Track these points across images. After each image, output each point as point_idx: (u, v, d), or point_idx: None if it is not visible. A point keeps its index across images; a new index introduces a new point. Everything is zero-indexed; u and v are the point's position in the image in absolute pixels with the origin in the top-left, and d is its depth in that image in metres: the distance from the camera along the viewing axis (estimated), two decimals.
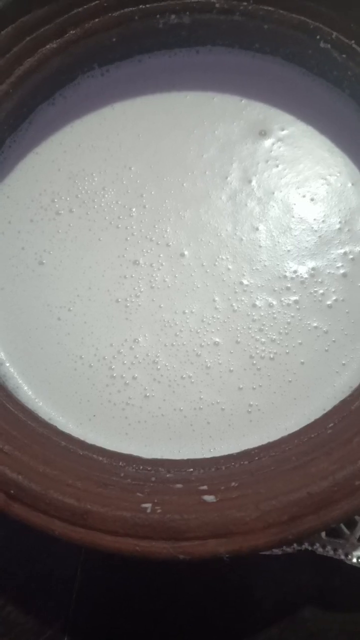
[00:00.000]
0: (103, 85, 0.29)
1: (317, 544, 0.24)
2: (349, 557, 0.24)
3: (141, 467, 0.21)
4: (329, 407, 0.24)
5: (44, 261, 0.27)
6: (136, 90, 0.29)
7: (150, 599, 0.26)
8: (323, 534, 0.24)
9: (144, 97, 0.29)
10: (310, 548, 0.24)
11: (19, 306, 0.27)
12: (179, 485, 0.20)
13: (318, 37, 0.26)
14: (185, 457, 0.23)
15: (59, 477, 0.20)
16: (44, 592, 0.27)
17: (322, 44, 0.26)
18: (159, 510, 0.18)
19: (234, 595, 0.26)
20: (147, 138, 0.29)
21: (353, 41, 0.26)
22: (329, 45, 0.26)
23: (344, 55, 0.26)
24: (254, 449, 0.22)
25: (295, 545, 0.24)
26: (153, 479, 0.21)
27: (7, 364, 0.26)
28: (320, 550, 0.24)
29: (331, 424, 0.21)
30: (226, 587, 0.26)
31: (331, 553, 0.24)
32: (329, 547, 0.24)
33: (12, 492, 0.19)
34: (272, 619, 0.26)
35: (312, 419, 0.23)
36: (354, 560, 0.24)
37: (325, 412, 0.23)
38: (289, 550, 0.24)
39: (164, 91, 0.29)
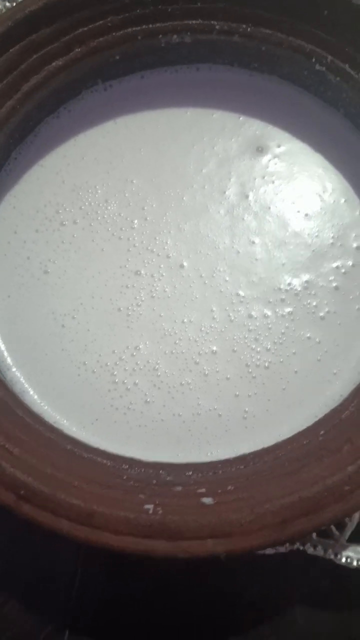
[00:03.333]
0: (106, 99, 0.30)
1: (309, 544, 0.26)
2: (338, 557, 0.25)
3: (143, 470, 0.23)
4: (320, 415, 0.25)
5: (49, 270, 0.29)
6: (138, 105, 0.30)
7: (147, 596, 0.27)
8: (314, 535, 0.26)
9: (145, 112, 0.30)
10: (301, 548, 0.26)
11: (25, 314, 0.28)
12: (179, 488, 0.21)
13: (314, 59, 0.27)
14: (184, 461, 0.24)
15: (66, 479, 0.21)
16: (44, 590, 0.28)
17: (317, 67, 0.27)
18: (160, 511, 0.20)
19: (227, 594, 0.27)
20: (148, 152, 0.30)
21: (347, 64, 0.27)
22: (324, 68, 0.27)
23: (338, 78, 0.27)
24: (249, 454, 0.23)
25: (287, 545, 0.25)
26: (154, 481, 0.22)
27: (14, 369, 0.27)
28: (311, 550, 0.26)
29: (322, 432, 0.22)
30: (220, 586, 0.27)
31: (321, 553, 0.26)
32: (319, 547, 0.26)
33: (22, 493, 0.20)
34: (264, 618, 0.27)
35: (304, 426, 0.24)
36: (343, 560, 0.25)
37: (317, 419, 0.24)
38: (281, 550, 0.26)
39: (165, 106, 0.30)
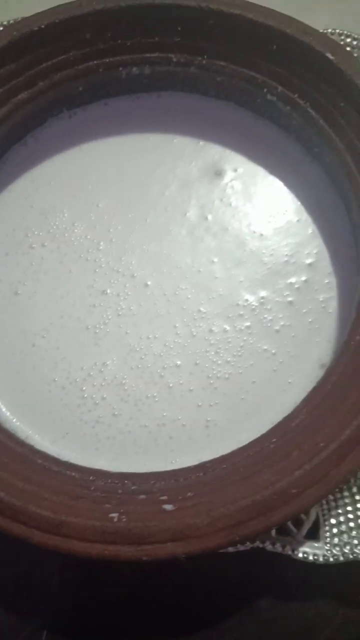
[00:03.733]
0: (71, 126, 0.32)
1: (268, 542, 0.27)
2: (296, 552, 0.27)
3: (109, 481, 0.24)
4: (276, 421, 0.27)
5: (19, 292, 0.30)
6: (102, 131, 0.32)
7: (121, 598, 0.29)
8: (273, 532, 0.28)
9: (109, 138, 0.32)
10: (261, 545, 0.27)
11: None
12: (142, 496, 0.23)
13: (265, 90, 0.29)
14: (149, 470, 0.26)
15: (37, 492, 0.22)
16: (23, 591, 0.29)
17: (269, 96, 0.29)
18: (124, 519, 0.21)
19: (196, 591, 0.29)
20: (113, 176, 0.31)
21: (296, 95, 0.29)
22: (275, 98, 0.29)
23: (288, 107, 0.29)
24: (208, 461, 0.25)
25: (248, 543, 0.27)
26: (120, 491, 0.23)
27: None
28: (270, 547, 0.27)
29: (274, 439, 0.24)
30: (189, 584, 0.29)
31: (280, 550, 0.27)
32: (278, 544, 0.27)
33: None
34: (232, 609, 0.29)
35: (261, 432, 0.26)
36: (300, 555, 0.27)
37: (272, 425, 0.26)
38: (242, 548, 0.27)
39: (128, 132, 0.32)
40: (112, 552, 0.21)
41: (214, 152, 0.32)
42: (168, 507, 0.22)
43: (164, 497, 0.22)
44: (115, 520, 0.21)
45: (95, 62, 0.29)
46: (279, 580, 0.29)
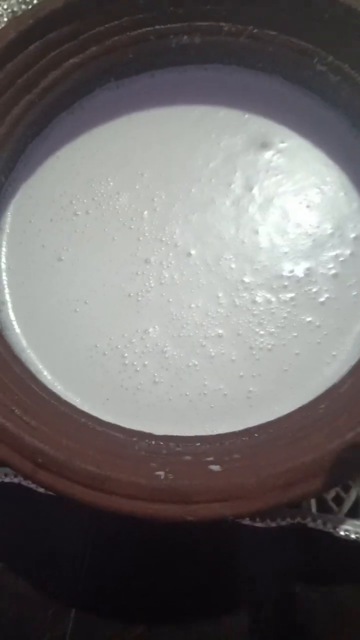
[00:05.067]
0: (118, 97, 0.32)
1: (309, 518, 0.27)
2: (337, 530, 0.27)
3: (153, 442, 0.24)
4: (319, 393, 0.26)
5: (63, 258, 0.30)
6: (149, 102, 0.32)
7: (152, 575, 0.28)
8: (314, 508, 0.27)
9: (155, 109, 0.32)
10: (302, 522, 0.27)
11: (39, 299, 0.29)
12: (188, 457, 0.22)
13: (315, 60, 0.29)
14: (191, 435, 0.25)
15: (81, 449, 0.22)
16: (53, 569, 0.29)
17: (319, 66, 0.29)
18: (171, 477, 0.21)
19: (228, 570, 0.28)
20: (158, 147, 0.31)
21: (347, 65, 0.28)
22: (325, 68, 0.29)
23: (338, 77, 0.29)
24: (253, 427, 0.25)
25: (288, 519, 0.27)
26: (164, 452, 0.23)
27: (29, 351, 0.29)
28: (311, 523, 0.27)
29: (322, 406, 0.24)
30: (221, 562, 0.28)
31: (321, 526, 0.27)
32: (319, 521, 0.27)
33: (39, 460, 0.22)
34: (265, 592, 0.28)
35: (304, 403, 0.26)
36: (342, 533, 0.27)
37: (316, 397, 0.26)
38: (282, 523, 0.27)
39: (174, 104, 0.32)
40: (156, 511, 0.21)
41: (260, 125, 0.31)
42: (215, 467, 0.21)
43: (210, 459, 0.22)
44: (162, 478, 0.21)
45: (147, 29, 0.29)
46: (315, 562, 0.28)
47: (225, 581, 0.28)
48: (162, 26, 0.29)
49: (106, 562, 0.29)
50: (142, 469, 0.22)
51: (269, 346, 0.28)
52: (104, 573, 0.29)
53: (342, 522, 0.27)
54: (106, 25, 0.28)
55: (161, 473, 0.21)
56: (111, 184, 0.31)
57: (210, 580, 0.28)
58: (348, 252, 0.29)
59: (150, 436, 0.25)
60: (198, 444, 0.24)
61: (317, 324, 0.28)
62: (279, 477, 0.20)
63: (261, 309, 0.28)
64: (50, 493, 0.23)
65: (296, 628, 0.28)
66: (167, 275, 0.29)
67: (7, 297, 0.29)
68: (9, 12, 0.32)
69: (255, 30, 0.29)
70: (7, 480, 0.28)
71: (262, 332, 0.28)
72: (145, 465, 0.22)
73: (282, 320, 0.28)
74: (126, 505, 0.21)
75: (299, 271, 0.29)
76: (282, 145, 0.31)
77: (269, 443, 0.22)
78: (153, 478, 0.21)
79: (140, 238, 0.30)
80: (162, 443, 0.24)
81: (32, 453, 0.22)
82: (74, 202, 0.31)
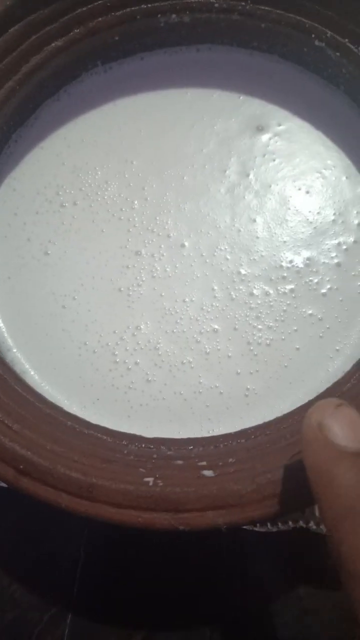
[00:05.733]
0: (106, 82, 0.30)
1: (312, 522, 0.25)
2: None
3: (143, 445, 0.23)
4: (322, 390, 0.25)
5: (49, 252, 0.29)
6: (138, 87, 0.30)
7: (150, 578, 0.27)
8: (317, 512, 0.26)
9: (145, 94, 0.30)
10: (305, 526, 0.25)
11: (25, 295, 0.28)
12: (180, 462, 0.21)
13: (313, 35, 0.27)
14: (185, 437, 0.24)
15: (66, 453, 0.21)
16: (49, 572, 0.28)
17: (317, 43, 0.27)
18: (160, 484, 0.20)
19: (230, 574, 0.27)
20: (148, 133, 0.30)
21: (347, 39, 0.27)
22: (323, 44, 0.27)
23: (338, 54, 0.27)
24: (250, 428, 0.23)
25: (290, 523, 0.25)
26: (155, 456, 0.22)
27: (14, 350, 0.27)
28: (314, 527, 0.25)
29: None
30: (224, 566, 0.27)
31: (324, 530, 0.25)
32: (322, 525, 0.25)
33: (21, 467, 0.20)
34: (268, 595, 0.27)
35: (306, 401, 0.24)
36: None
37: (318, 394, 0.24)
38: (284, 528, 0.25)
39: (164, 88, 0.30)
40: (146, 520, 0.19)
41: (256, 107, 0.30)
42: (208, 473, 0.20)
43: (203, 463, 0.21)
44: (151, 484, 0.20)
45: (132, 8, 0.27)
46: (319, 566, 0.27)
47: (226, 585, 0.27)
48: (149, 5, 0.27)
49: (102, 565, 0.28)
50: (130, 474, 0.20)
51: (268, 341, 0.26)
52: (100, 576, 0.28)
53: None
54: (89, 6, 0.27)
55: (150, 479, 0.20)
56: (99, 173, 0.29)
57: (211, 584, 0.27)
58: (351, 239, 0.27)
59: (140, 439, 0.23)
60: (191, 447, 0.22)
61: (319, 316, 0.26)
62: (277, 484, 0.19)
63: (259, 301, 0.27)
64: None
65: (301, 633, 0.27)
66: (159, 268, 0.28)
67: None
68: None
69: (248, 7, 0.28)
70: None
71: (260, 327, 0.27)
72: (134, 470, 0.20)
73: (282, 314, 0.27)
74: (115, 514, 0.20)
75: (299, 261, 0.27)
76: (279, 128, 0.29)
77: (266, 446, 0.21)
78: (142, 484, 0.20)
79: (131, 229, 0.28)
80: (152, 446, 0.22)
81: (14, 459, 0.21)
82: (60, 193, 0.29)
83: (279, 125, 0.29)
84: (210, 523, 0.19)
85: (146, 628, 0.27)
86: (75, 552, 0.28)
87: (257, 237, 0.28)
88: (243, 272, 0.27)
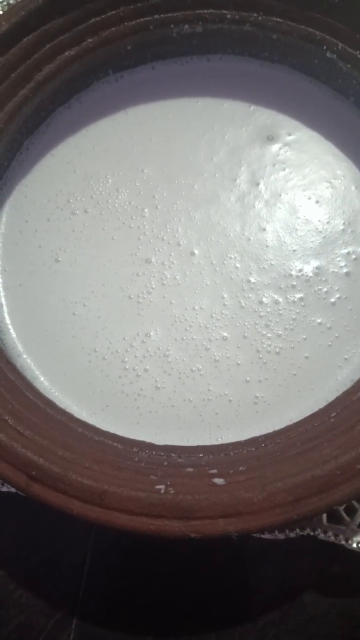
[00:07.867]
0: (117, 90, 0.31)
1: (319, 530, 0.25)
2: (349, 542, 0.25)
3: (154, 453, 0.23)
4: (331, 399, 0.25)
5: (60, 259, 0.29)
6: (149, 95, 0.31)
7: (156, 583, 0.27)
8: (325, 520, 0.26)
9: (156, 103, 0.31)
10: (312, 533, 0.25)
11: (36, 301, 0.28)
12: (190, 469, 0.21)
13: (324, 47, 0.27)
14: (194, 444, 0.24)
15: (77, 460, 0.21)
16: (54, 577, 0.28)
17: (328, 54, 0.28)
18: (171, 491, 0.20)
19: (237, 580, 0.27)
20: (159, 141, 0.30)
21: (358, 51, 0.27)
22: (334, 56, 0.27)
23: (349, 65, 0.27)
24: (260, 436, 0.23)
25: (297, 530, 0.25)
26: (165, 463, 0.22)
27: (25, 356, 0.27)
28: (321, 535, 0.25)
29: (334, 414, 0.22)
30: (229, 572, 0.27)
31: (332, 538, 0.25)
32: (330, 533, 0.25)
33: (33, 473, 0.21)
34: (274, 603, 0.27)
35: (315, 410, 0.24)
36: (354, 545, 0.25)
37: (328, 403, 0.24)
38: (291, 535, 0.25)
39: (175, 97, 0.31)
40: (157, 527, 0.20)
41: (266, 116, 0.30)
42: (219, 480, 0.20)
43: (214, 471, 0.21)
44: (162, 492, 0.20)
45: (145, 18, 0.28)
46: (326, 574, 0.27)
47: (232, 591, 0.27)
48: (162, 15, 0.28)
49: (108, 570, 0.28)
50: (141, 481, 0.20)
51: (277, 349, 0.27)
52: (105, 581, 0.28)
53: (354, 534, 0.25)
54: (103, 16, 0.27)
55: (162, 487, 0.20)
56: (110, 181, 0.29)
57: (217, 590, 0.27)
58: None
59: (150, 446, 0.23)
60: (201, 454, 0.22)
61: (328, 325, 0.27)
62: (288, 492, 0.19)
63: (268, 310, 0.27)
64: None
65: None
66: (169, 276, 0.28)
67: (3, 300, 0.28)
68: (4, 5, 0.31)
69: (260, 18, 0.28)
70: (4, 489, 0.27)
71: (269, 335, 0.27)
72: (145, 477, 0.21)
73: (291, 322, 0.27)
74: (127, 521, 0.20)
75: (309, 270, 0.27)
76: (289, 138, 0.29)
77: (276, 454, 0.21)
78: (153, 492, 0.20)
79: (141, 237, 0.29)
80: (163, 454, 0.23)
81: (25, 465, 0.21)
82: (71, 200, 0.29)
83: (289, 135, 0.29)
84: (221, 531, 0.19)
85: (152, 633, 0.27)
86: (80, 557, 0.28)
87: (267, 246, 0.28)
88: (253, 280, 0.28)
